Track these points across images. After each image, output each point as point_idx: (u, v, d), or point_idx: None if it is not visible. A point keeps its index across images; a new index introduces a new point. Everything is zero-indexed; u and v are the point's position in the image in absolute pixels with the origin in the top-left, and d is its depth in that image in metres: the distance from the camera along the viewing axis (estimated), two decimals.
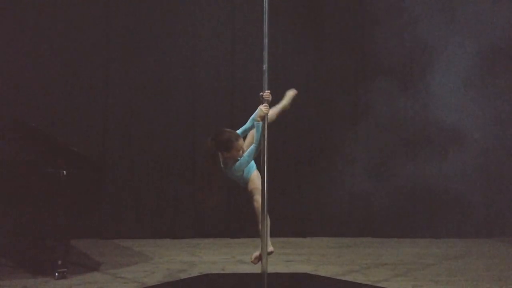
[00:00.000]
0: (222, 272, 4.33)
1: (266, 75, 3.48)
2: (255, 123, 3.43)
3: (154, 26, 6.11)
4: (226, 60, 6.22)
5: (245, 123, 3.59)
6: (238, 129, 3.59)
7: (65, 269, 4.02)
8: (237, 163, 3.46)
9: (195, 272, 4.27)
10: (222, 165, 3.53)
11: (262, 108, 3.43)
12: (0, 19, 5.80)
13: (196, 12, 6.19)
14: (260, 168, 3.50)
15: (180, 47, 6.14)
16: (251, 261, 3.60)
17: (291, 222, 6.13)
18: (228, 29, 6.24)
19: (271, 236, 3.50)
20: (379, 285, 3.88)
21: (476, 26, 6.20)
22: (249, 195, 3.61)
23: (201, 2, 6.21)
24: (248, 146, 3.53)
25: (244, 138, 3.58)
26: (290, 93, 3.79)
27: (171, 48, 6.12)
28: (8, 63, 5.75)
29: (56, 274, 3.98)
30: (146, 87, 6.06)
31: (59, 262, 4.00)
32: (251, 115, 3.57)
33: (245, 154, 3.45)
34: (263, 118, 3.42)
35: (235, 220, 6.02)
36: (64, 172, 4.01)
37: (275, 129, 5.97)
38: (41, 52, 5.86)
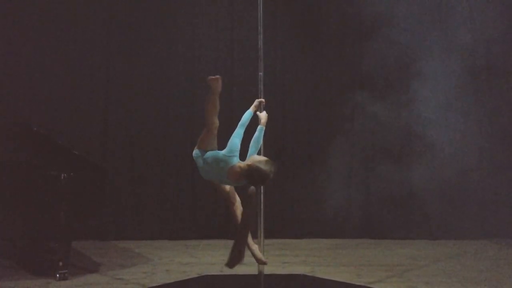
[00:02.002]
0: (220, 273, 4.39)
1: (261, 82, 3.57)
2: (259, 127, 3.44)
3: (154, 28, 6.15)
4: (225, 62, 6.26)
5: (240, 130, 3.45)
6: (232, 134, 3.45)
7: (66, 271, 4.08)
8: None
9: (193, 273, 4.34)
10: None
11: (266, 114, 3.50)
12: (0, 19, 5.84)
13: (196, 14, 6.23)
14: None
15: (180, 48, 6.19)
16: (262, 261, 3.47)
17: (288, 224, 6.18)
18: (227, 31, 6.27)
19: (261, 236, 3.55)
20: (374, 286, 3.95)
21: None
22: (229, 198, 3.53)
23: (201, 3, 6.27)
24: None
25: None
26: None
27: (171, 50, 6.16)
28: (8, 63, 5.78)
29: (57, 275, 4.04)
30: (146, 88, 6.10)
31: (60, 263, 4.06)
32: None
33: None
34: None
35: None
36: (65, 174, 4.07)
37: (273, 130, 6.05)
38: (41, 52, 5.89)
